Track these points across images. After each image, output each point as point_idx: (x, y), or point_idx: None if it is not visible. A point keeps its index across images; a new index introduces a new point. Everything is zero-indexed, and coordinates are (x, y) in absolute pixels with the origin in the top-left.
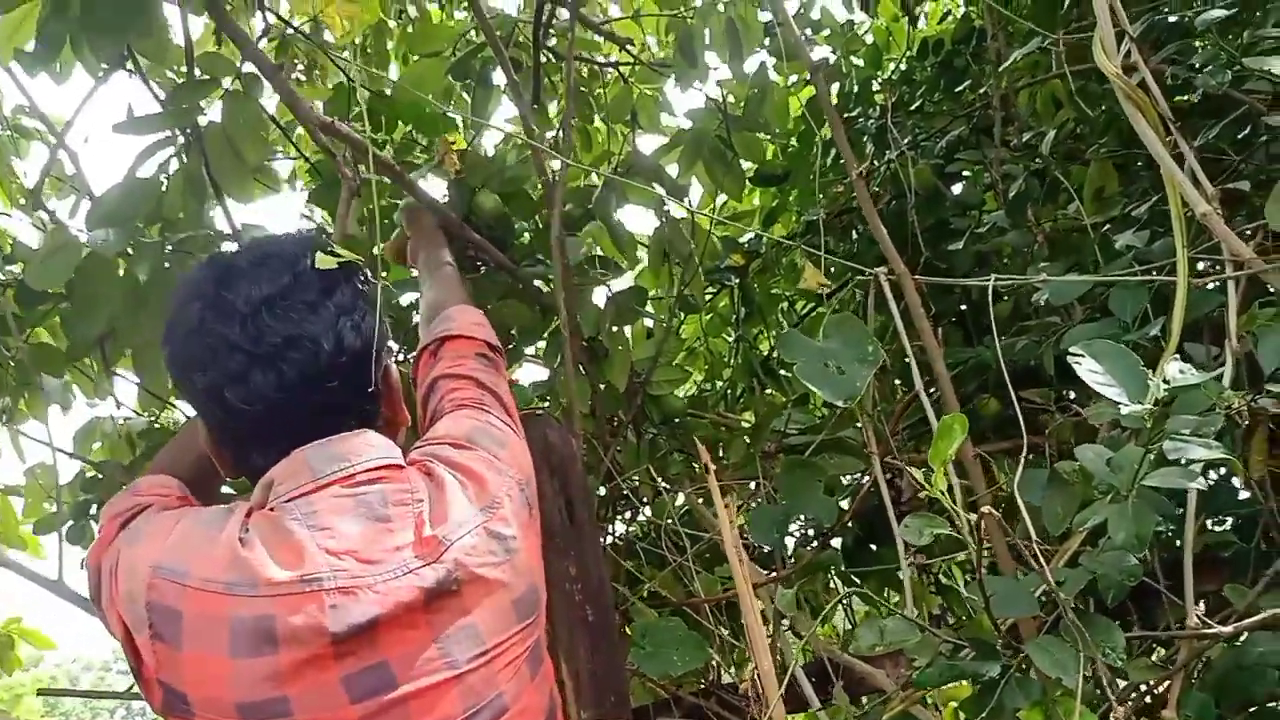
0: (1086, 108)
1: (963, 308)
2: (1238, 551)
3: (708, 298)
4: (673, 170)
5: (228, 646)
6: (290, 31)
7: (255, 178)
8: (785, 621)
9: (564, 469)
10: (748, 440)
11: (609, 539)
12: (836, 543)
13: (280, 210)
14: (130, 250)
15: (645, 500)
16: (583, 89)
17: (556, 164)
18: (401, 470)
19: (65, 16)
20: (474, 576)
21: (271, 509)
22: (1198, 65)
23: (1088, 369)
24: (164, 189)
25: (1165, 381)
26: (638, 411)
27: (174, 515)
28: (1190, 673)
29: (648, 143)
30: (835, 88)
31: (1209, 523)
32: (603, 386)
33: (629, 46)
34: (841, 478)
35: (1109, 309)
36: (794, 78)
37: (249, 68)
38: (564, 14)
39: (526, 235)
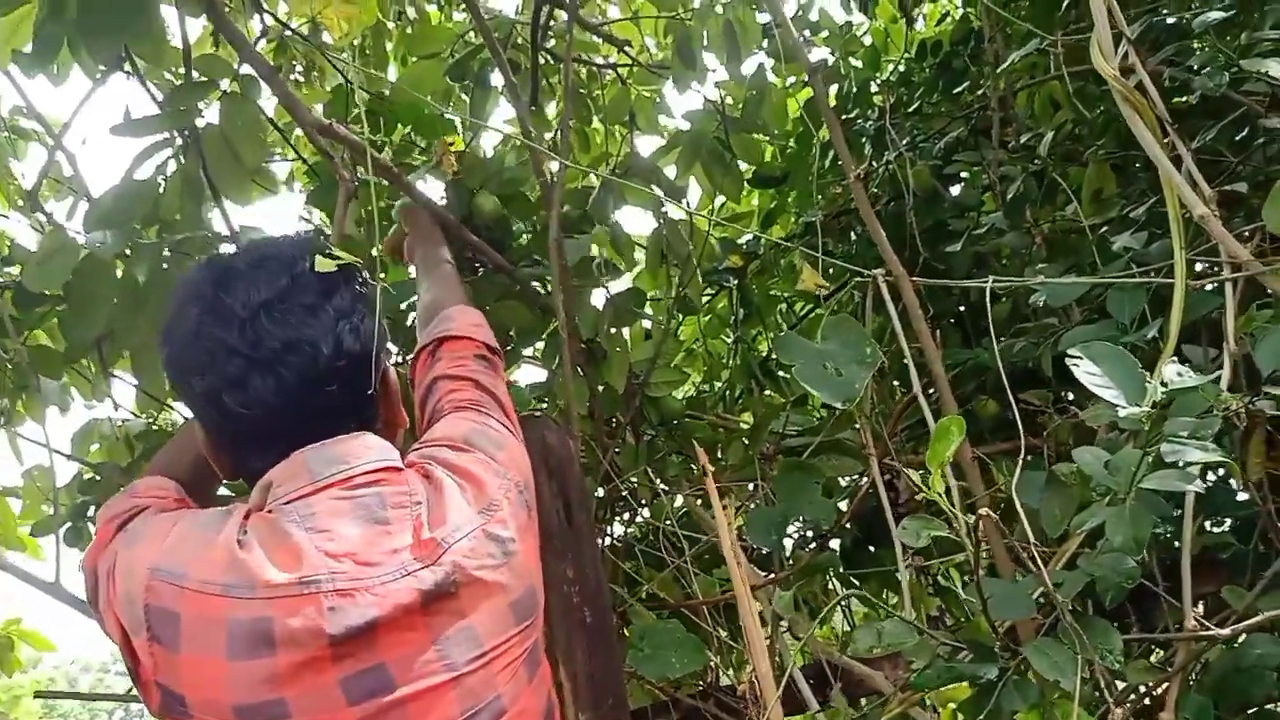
0: (1084, 109)
1: (961, 309)
2: (1236, 553)
3: (706, 299)
4: (671, 172)
5: (225, 648)
6: (288, 33)
7: (253, 179)
8: (783, 623)
9: (562, 471)
10: (746, 442)
11: (607, 541)
12: (835, 544)
13: (278, 212)
14: (128, 252)
15: (643, 502)
16: (581, 90)
17: (554, 165)
18: (400, 473)
19: (63, 18)
20: (472, 579)
21: (270, 511)
22: (1195, 67)
23: (1086, 371)
24: (162, 191)
25: (1163, 384)
26: (636, 413)
27: (172, 517)
28: (1188, 675)
29: (646, 144)
30: (833, 89)
31: (1207, 524)
32: (601, 388)
33: (627, 48)
34: (840, 479)
35: (1107, 311)
36: (792, 79)
37: (247, 69)
38: (562, 15)
39: (525, 237)
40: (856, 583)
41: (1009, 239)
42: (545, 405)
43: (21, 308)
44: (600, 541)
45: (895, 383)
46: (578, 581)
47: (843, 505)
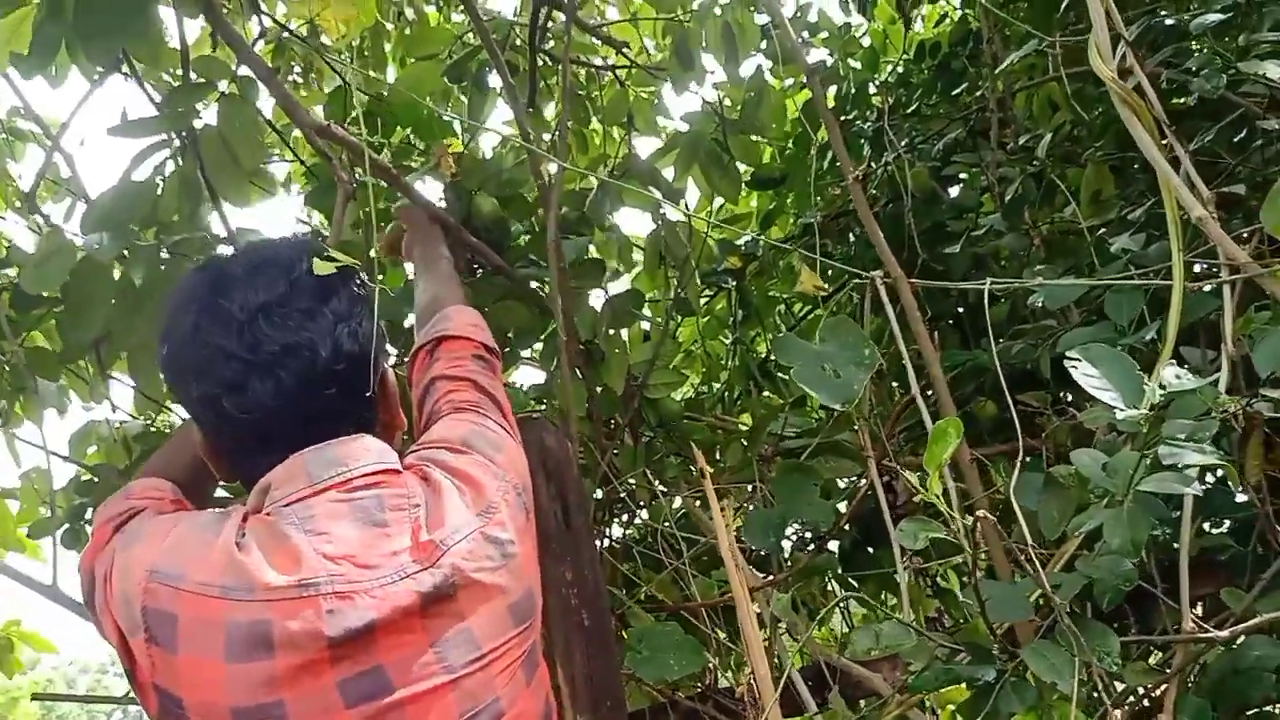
0: (1083, 111)
1: (959, 310)
2: (1234, 554)
3: (704, 301)
4: (669, 173)
5: (223, 651)
6: (286, 35)
7: (251, 181)
8: (782, 625)
9: (560, 473)
10: (744, 443)
11: (605, 542)
12: (833, 546)
13: (276, 213)
14: (125, 254)
15: (642, 504)
16: (579, 92)
17: (553, 167)
18: (398, 475)
19: (61, 19)
20: (471, 581)
21: (268, 514)
22: (1193, 69)
23: (1084, 373)
24: (160, 192)
25: (1161, 386)
26: (634, 414)
27: (170, 519)
28: (1186, 677)
29: (644, 145)
30: (832, 90)
31: (1205, 526)
32: (599, 389)
33: (625, 49)
34: (838, 481)
35: (1105, 312)
36: (790, 81)
37: (245, 71)
38: (560, 17)
39: (523, 238)
40: (855, 584)
41: (1007, 240)
42: (543, 406)
43: (19, 309)
44: (598, 543)
45: (894, 384)
46: (576, 583)
47: (841, 507)
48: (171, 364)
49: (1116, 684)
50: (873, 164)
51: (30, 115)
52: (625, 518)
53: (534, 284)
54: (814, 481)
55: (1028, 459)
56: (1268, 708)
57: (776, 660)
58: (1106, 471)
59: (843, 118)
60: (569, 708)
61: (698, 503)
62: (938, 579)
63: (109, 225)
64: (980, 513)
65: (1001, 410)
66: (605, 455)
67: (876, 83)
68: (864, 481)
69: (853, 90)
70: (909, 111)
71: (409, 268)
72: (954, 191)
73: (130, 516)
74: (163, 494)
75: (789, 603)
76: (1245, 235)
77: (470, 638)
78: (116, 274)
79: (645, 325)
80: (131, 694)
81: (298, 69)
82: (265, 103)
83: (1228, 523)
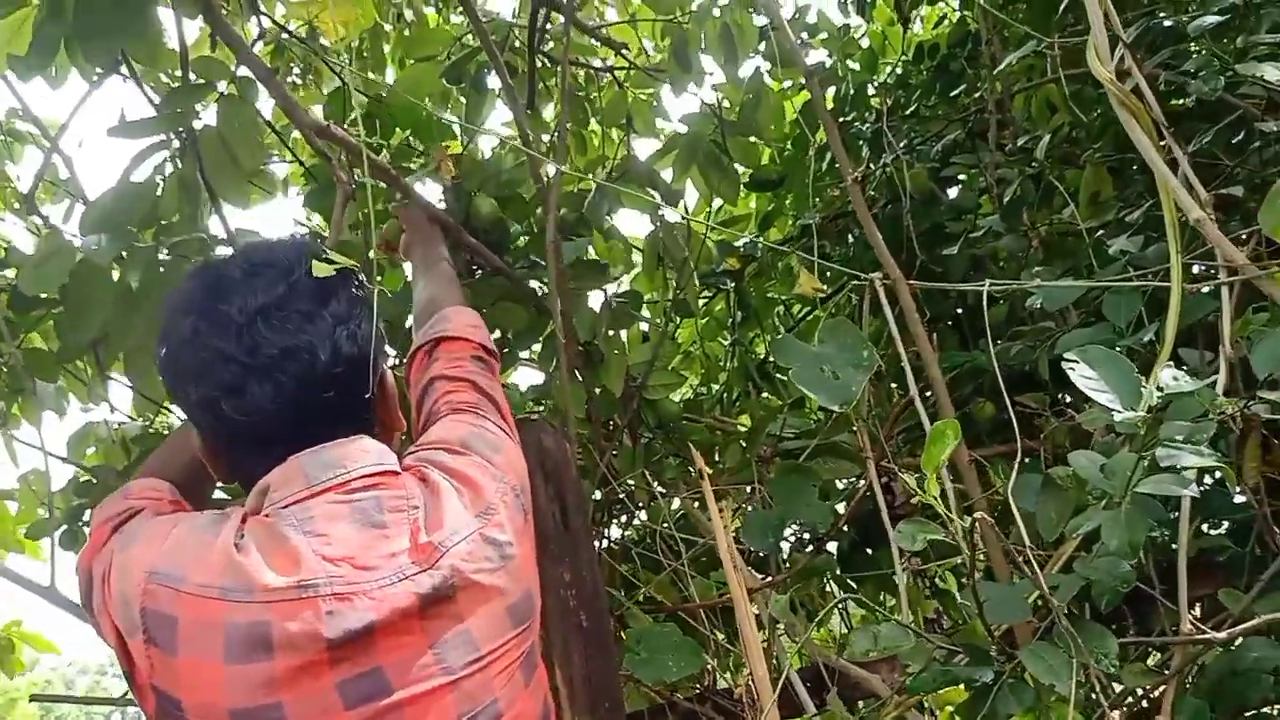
0: (1081, 112)
1: (958, 312)
2: (1232, 555)
3: (703, 302)
4: (668, 175)
5: (222, 652)
6: (286, 35)
7: (250, 182)
8: (780, 626)
9: (559, 474)
10: (743, 444)
11: (604, 544)
12: (832, 547)
13: (275, 214)
14: (124, 255)
15: (640, 505)
16: (578, 93)
17: (552, 168)
18: (397, 476)
19: (60, 20)
20: (470, 583)
21: (267, 515)
22: (1191, 71)
23: (1082, 374)
24: (158, 193)
25: (1159, 387)
26: (633, 416)
27: (169, 520)
28: (1184, 678)
29: (643, 147)
30: (830, 92)
31: (1204, 527)
32: (598, 391)
33: (624, 51)
34: (837, 482)
35: (1103, 314)
36: (789, 82)
37: (244, 72)
38: (559, 18)
39: (522, 239)
40: (853, 586)
41: (1006, 242)
42: (542, 408)
43: (17, 310)
44: (597, 544)
45: (892, 385)
46: (574, 585)
47: (840, 508)
48: (170, 367)
49: (1114, 685)
50: (871, 165)
51: (29, 116)
52: (624, 519)
53: (533, 285)
54: (812, 483)
55: (1026, 460)
56: (1266, 709)
57: (775, 661)
58: (1104, 473)
59: (841, 119)
60: (567, 709)
61: (696, 504)
62: (936, 580)
63: (108, 226)
64: (978, 514)
65: (1000, 411)
66: (604, 456)
67: (875, 84)
68: (862, 483)
69: (851, 91)
70: (908, 113)
71: (408, 268)
72: (953, 193)
73: (129, 517)
74: (161, 494)
75: (787, 604)
76: (1243, 237)
77: (469, 639)
78: (115, 275)
79: (644, 326)
80: (130, 695)
81: (297, 70)
82: (264, 104)
83: (1225, 524)
